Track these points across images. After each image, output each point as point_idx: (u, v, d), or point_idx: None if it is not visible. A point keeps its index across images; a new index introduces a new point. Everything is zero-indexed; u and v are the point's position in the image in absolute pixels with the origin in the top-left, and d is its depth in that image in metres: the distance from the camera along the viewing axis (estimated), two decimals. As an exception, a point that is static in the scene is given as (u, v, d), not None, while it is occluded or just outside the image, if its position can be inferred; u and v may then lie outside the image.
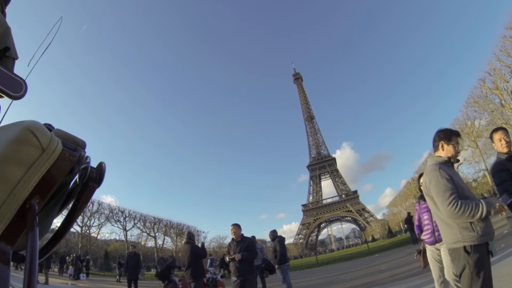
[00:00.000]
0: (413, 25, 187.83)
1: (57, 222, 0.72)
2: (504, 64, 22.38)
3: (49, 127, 0.64)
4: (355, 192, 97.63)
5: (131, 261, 10.20)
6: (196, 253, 6.03)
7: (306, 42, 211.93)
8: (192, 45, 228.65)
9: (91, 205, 29.14)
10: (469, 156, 30.16)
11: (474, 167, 31.03)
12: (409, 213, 16.70)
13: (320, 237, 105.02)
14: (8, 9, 1.04)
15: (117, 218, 32.09)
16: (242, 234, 5.40)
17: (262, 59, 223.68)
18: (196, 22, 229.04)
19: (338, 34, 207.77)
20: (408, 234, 17.32)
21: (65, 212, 0.70)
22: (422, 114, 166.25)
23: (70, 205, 0.67)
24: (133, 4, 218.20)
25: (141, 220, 33.51)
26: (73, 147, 0.57)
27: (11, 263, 0.52)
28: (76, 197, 0.64)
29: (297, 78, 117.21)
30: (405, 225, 16.69)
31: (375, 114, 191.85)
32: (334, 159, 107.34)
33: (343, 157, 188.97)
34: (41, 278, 13.00)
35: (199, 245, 7.89)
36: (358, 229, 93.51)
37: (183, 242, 6.48)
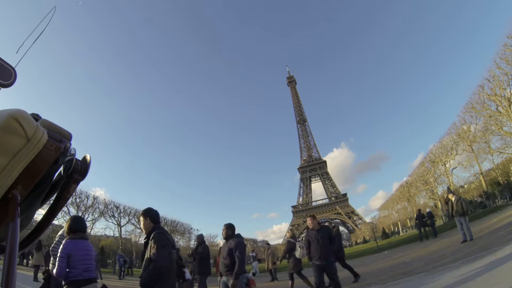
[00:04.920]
0: (404, 28, 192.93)
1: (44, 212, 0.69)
2: (503, 72, 23.14)
3: (36, 117, 0.61)
4: (345, 195, 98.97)
5: None
6: None
7: (300, 44, 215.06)
8: (191, 45, 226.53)
9: (86, 199, 28.12)
10: (464, 160, 30.96)
11: (469, 171, 31.64)
12: (419, 210, 16.88)
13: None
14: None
15: (112, 213, 31.07)
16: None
17: (258, 61, 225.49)
18: (197, 25, 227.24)
19: (332, 36, 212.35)
20: (415, 231, 17.29)
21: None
22: (420, 113, 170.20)
23: (53, 196, 0.64)
24: (133, 3, 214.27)
25: (135, 216, 32.51)
26: (58, 138, 0.55)
27: None
28: (60, 189, 0.61)
29: (291, 81, 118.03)
30: (416, 221, 16.86)
31: (372, 114, 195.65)
32: (324, 162, 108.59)
33: (340, 157, 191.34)
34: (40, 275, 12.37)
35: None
36: (347, 231, 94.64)
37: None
